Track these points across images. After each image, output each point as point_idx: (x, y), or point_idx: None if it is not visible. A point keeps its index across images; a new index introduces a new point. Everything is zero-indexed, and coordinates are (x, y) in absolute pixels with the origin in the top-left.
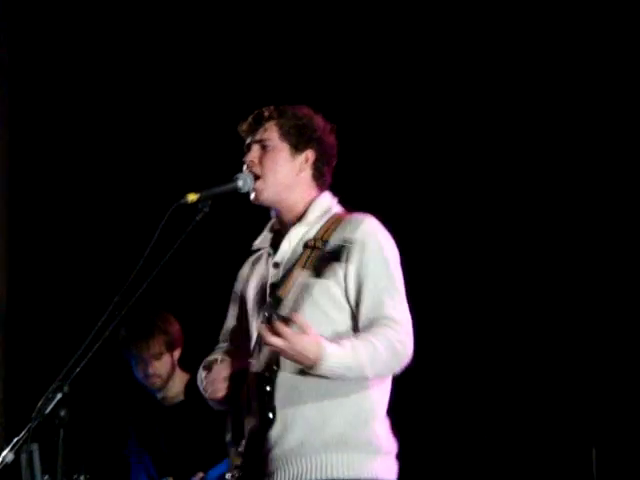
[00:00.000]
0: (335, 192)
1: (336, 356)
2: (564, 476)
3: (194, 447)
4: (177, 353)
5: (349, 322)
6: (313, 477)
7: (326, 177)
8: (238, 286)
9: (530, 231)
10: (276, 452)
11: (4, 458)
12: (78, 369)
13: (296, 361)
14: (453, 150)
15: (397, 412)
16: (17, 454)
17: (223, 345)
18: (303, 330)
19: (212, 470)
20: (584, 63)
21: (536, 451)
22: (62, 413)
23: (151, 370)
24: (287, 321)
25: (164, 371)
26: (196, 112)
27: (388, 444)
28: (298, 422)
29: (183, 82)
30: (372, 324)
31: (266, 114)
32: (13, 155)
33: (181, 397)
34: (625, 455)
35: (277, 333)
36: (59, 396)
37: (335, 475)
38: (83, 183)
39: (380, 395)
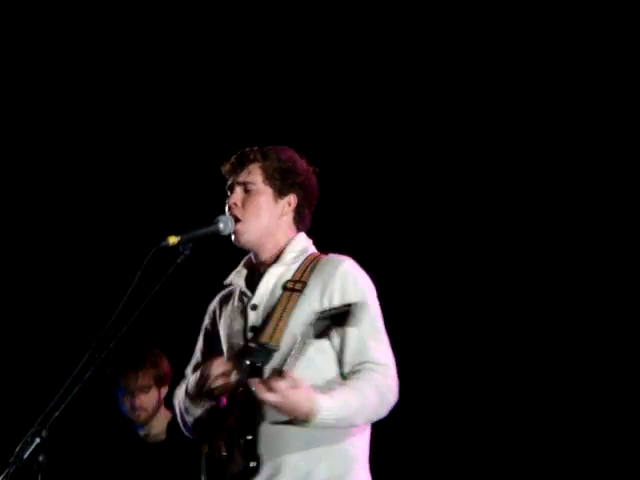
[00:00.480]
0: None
1: (328, 409)
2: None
3: None
4: (164, 390)
5: (335, 368)
6: None
7: (306, 220)
8: (207, 321)
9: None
10: None
11: None
12: (57, 413)
13: (288, 414)
14: (424, 170)
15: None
16: None
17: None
18: (296, 385)
19: None
20: (574, 64)
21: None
22: (40, 458)
23: (138, 403)
24: (279, 373)
25: (150, 405)
26: (174, 153)
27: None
28: (284, 471)
29: (162, 119)
30: (358, 369)
31: (250, 156)
32: None
33: (163, 436)
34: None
35: (271, 388)
36: (37, 441)
37: None
38: (62, 222)
39: (363, 441)
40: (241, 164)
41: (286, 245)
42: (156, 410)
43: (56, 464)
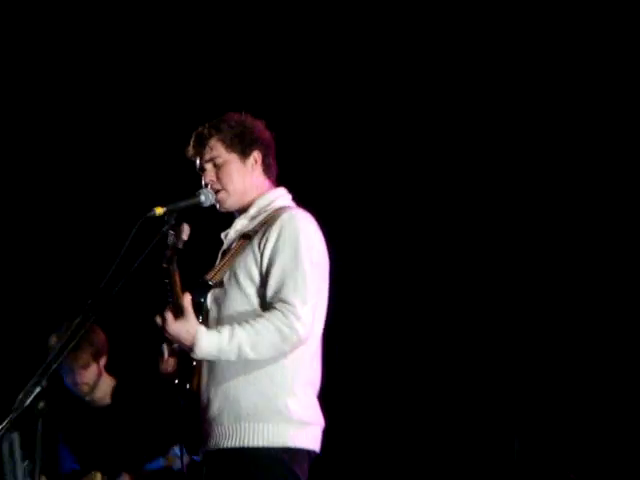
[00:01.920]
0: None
1: (209, 342)
2: (488, 463)
3: (121, 446)
4: (103, 361)
5: (258, 299)
6: (228, 444)
7: (273, 168)
8: None
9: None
10: (203, 422)
11: None
12: (55, 365)
13: (176, 342)
14: (399, 155)
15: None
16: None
17: None
18: (183, 317)
19: (149, 465)
20: (569, 61)
21: (462, 441)
22: (40, 405)
23: (79, 379)
24: (176, 306)
25: (91, 379)
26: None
27: (305, 415)
28: (218, 396)
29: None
30: (271, 304)
31: (206, 133)
32: None
33: (108, 400)
34: (543, 443)
35: (163, 318)
36: (38, 389)
37: (247, 444)
38: (57, 192)
39: (293, 371)
40: (201, 144)
41: (254, 200)
42: (97, 381)
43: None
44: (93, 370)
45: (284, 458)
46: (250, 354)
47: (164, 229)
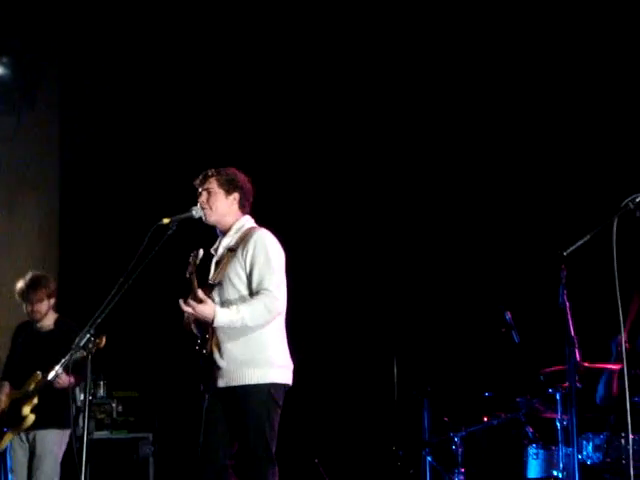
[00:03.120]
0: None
1: (223, 315)
2: (371, 380)
3: (52, 354)
4: (52, 301)
5: (247, 289)
6: (234, 384)
7: (247, 207)
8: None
9: None
10: (215, 367)
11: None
12: (99, 320)
13: (201, 319)
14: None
15: None
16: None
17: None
18: (204, 302)
19: None
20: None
21: (345, 363)
22: (90, 345)
23: (35, 309)
24: (195, 297)
25: (43, 310)
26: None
27: (282, 361)
28: (224, 353)
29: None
30: (257, 292)
31: (209, 174)
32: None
33: (52, 327)
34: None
35: (187, 304)
36: (88, 335)
37: (247, 382)
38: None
39: (271, 333)
40: (204, 178)
41: (232, 224)
42: (46, 313)
43: None
44: (45, 305)
45: (270, 391)
46: (249, 322)
47: (169, 232)
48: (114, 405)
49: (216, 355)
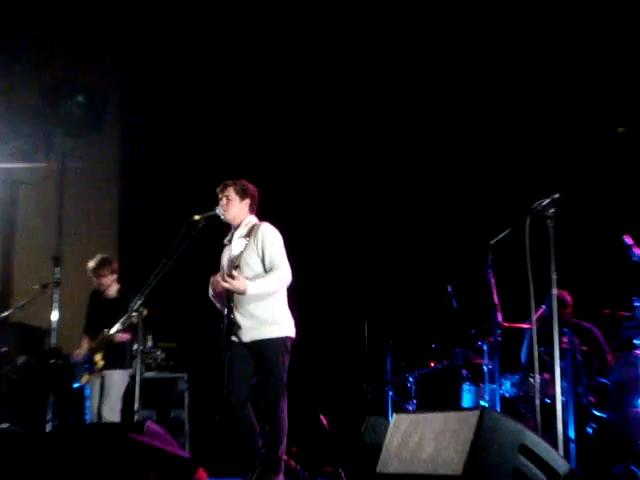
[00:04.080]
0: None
1: (252, 287)
2: (349, 336)
3: (116, 318)
4: (115, 276)
5: (262, 268)
6: (254, 338)
7: (255, 209)
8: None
9: None
10: (237, 327)
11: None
12: (147, 290)
13: (236, 292)
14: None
15: None
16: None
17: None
18: (237, 278)
19: None
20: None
21: (331, 324)
22: (141, 309)
23: (101, 281)
24: (230, 274)
25: (107, 283)
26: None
27: (285, 318)
28: (245, 313)
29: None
30: (270, 268)
31: (228, 182)
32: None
33: (115, 295)
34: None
35: (226, 280)
36: (139, 302)
37: (263, 336)
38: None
39: (279, 299)
40: (224, 187)
41: (242, 220)
42: (109, 285)
43: None
44: (109, 279)
45: (285, 342)
46: (270, 290)
47: (199, 225)
48: (159, 353)
49: (239, 317)
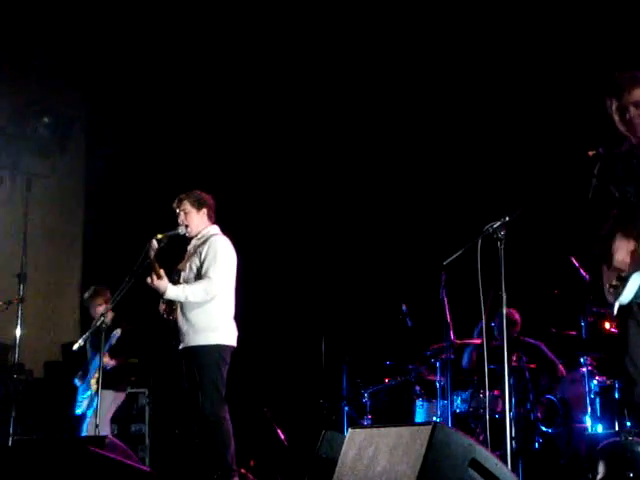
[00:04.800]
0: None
1: (171, 291)
2: (306, 353)
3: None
4: (109, 305)
5: (196, 274)
6: (191, 344)
7: (213, 218)
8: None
9: None
10: (180, 334)
11: None
12: (110, 307)
13: (157, 290)
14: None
15: None
16: None
17: None
18: (162, 278)
19: None
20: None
21: (288, 341)
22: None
23: (96, 310)
24: (158, 276)
25: (100, 312)
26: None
27: (224, 326)
28: (184, 321)
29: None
30: (202, 277)
31: (183, 197)
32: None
33: (109, 325)
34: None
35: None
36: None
37: (198, 343)
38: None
39: (216, 307)
40: (179, 202)
41: (201, 231)
42: (105, 314)
43: None
44: (104, 307)
45: (220, 350)
46: (190, 298)
47: (161, 245)
48: None
49: (180, 322)
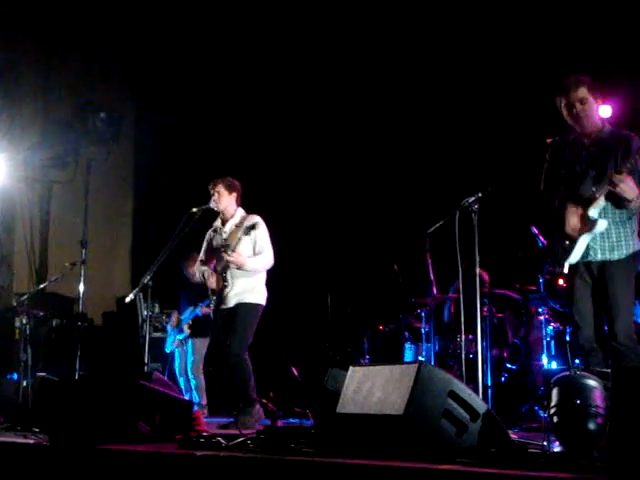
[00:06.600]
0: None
1: (249, 262)
2: (316, 306)
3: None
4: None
5: (252, 251)
6: (239, 302)
7: (240, 201)
8: (207, 238)
9: None
10: (224, 296)
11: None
12: (156, 267)
13: (237, 264)
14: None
15: None
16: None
17: (203, 259)
18: (238, 254)
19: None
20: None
21: (301, 296)
22: (147, 280)
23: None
24: (233, 250)
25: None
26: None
27: (264, 290)
28: (234, 286)
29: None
30: (259, 251)
31: (217, 181)
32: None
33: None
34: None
35: (230, 255)
36: (149, 276)
37: (244, 301)
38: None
39: (259, 277)
40: (214, 185)
41: (234, 212)
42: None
43: None
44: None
45: (258, 309)
46: (259, 268)
47: (196, 216)
48: (164, 317)
49: (227, 289)
